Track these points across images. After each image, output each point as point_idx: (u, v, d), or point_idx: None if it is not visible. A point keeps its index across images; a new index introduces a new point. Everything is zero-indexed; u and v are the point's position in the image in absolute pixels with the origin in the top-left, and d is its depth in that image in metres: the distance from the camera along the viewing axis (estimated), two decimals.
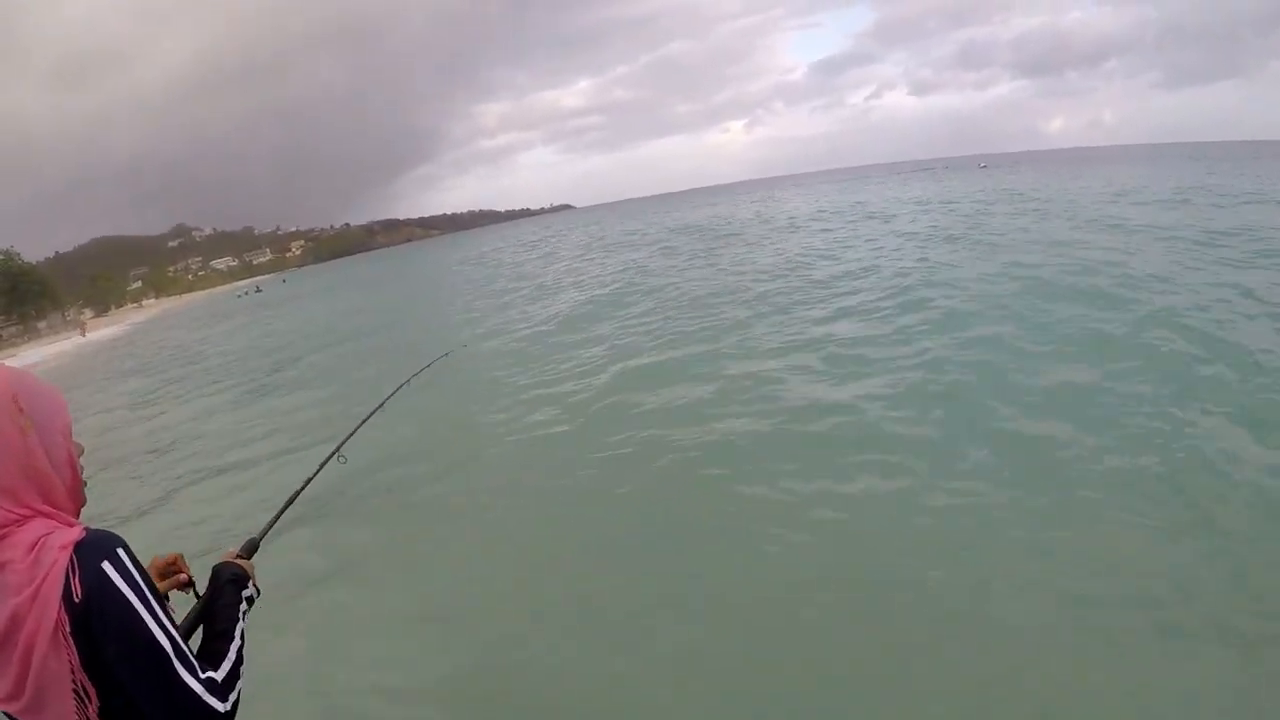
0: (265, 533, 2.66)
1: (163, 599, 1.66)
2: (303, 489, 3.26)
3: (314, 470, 3.60)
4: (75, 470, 1.76)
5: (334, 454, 3.89)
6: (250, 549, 2.41)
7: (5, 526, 1.55)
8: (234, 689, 1.70)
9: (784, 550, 5.53)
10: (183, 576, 2.11)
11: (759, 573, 5.27)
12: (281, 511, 2.93)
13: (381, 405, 4.93)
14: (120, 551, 1.58)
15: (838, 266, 18.37)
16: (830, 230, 28.35)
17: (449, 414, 10.72)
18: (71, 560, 1.51)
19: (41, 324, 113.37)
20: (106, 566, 1.53)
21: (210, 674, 1.63)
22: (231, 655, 1.78)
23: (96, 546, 1.55)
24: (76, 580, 1.49)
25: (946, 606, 4.58)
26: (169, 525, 8.62)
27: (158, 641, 1.54)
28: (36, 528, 1.56)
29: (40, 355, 53.02)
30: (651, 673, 4.38)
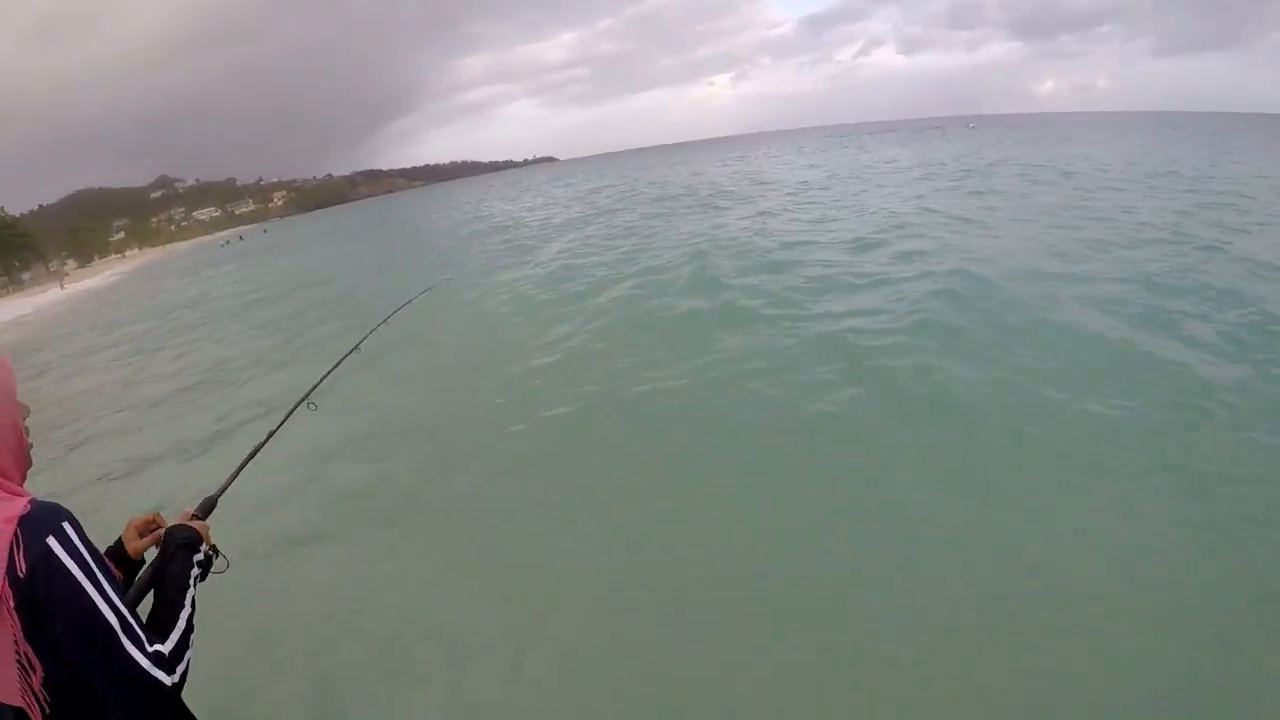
0: (224, 490, 2.50)
1: (110, 572, 1.63)
2: (266, 441, 3.01)
3: (281, 419, 3.34)
4: (20, 435, 1.74)
5: (302, 400, 3.63)
6: (206, 508, 2.32)
7: None
8: (182, 660, 1.67)
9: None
10: (160, 532, 2.07)
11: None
12: (241, 467, 2.72)
13: (355, 348, 4.66)
14: (66, 526, 1.57)
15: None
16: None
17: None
18: (16, 535, 1.50)
19: (25, 275, 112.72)
20: (52, 542, 1.52)
21: (157, 646, 1.61)
22: (180, 625, 1.74)
23: (41, 521, 1.54)
24: (21, 555, 1.48)
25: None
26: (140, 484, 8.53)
27: (103, 617, 1.53)
28: None
29: (16, 311, 52.29)
30: None
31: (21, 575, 1.47)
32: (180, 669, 1.65)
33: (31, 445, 1.80)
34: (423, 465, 7.39)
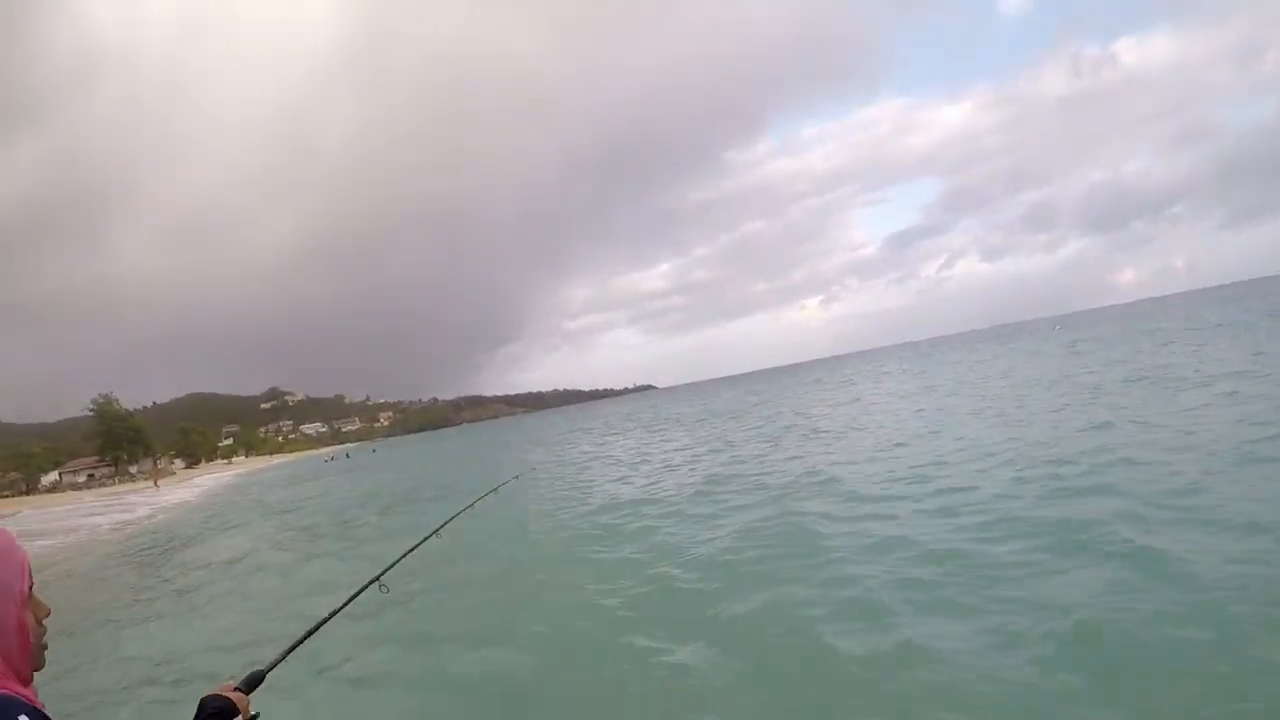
0: (274, 666, 2.44)
1: None
2: (327, 619, 2.93)
3: (346, 599, 3.21)
4: (25, 637, 1.70)
5: (373, 581, 3.49)
6: (252, 682, 2.26)
7: None
8: None
9: None
10: None
11: None
12: (298, 643, 2.64)
13: (436, 532, 4.54)
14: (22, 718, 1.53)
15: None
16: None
17: None
18: None
19: (133, 468, 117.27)
20: None
21: None
22: None
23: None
24: None
25: None
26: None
27: None
28: None
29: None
30: None
31: None
32: None
33: (46, 646, 1.76)
34: None
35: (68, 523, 39.43)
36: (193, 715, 1.96)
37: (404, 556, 3.95)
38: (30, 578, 1.70)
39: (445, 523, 4.81)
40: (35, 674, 1.72)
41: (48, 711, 1.62)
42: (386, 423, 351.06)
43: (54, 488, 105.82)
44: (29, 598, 1.71)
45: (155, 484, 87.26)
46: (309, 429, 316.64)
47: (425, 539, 4.32)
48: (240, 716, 1.99)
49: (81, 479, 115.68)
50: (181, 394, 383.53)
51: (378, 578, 3.55)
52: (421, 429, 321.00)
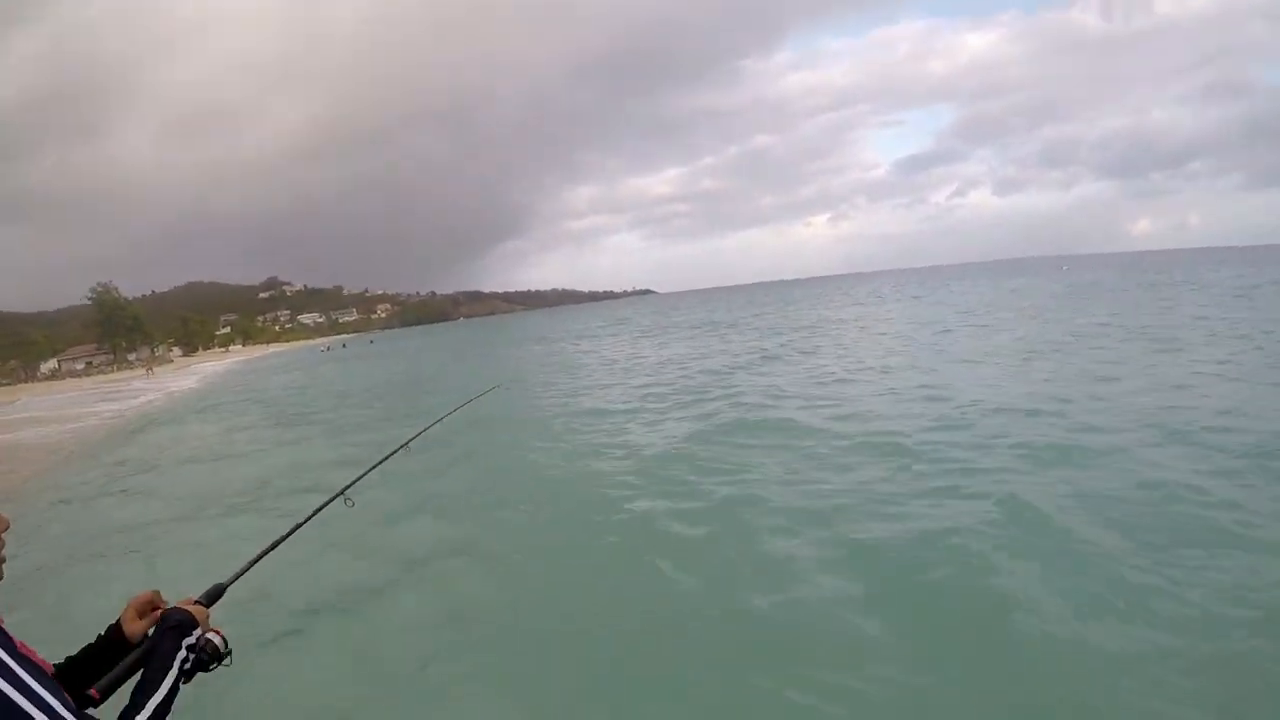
0: (235, 578, 2.41)
1: (32, 667, 1.56)
2: (290, 534, 2.81)
3: (310, 513, 3.05)
4: None
5: (339, 494, 3.33)
6: (212, 596, 2.26)
7: None
8: None
9: None
10: (159, 613, 2.06)
11: None
12: (259, 556, 2.59)
13: (404, 446, 4.37)
14: None
15: None
16: None
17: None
18: None
19: (132, 356, 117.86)
20: None
21: None
22: (149, 707, 1.73)
23: None
24: None
25: None
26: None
27: (19, 708, 1.45)
28: None
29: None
30: None
31: None
32: None
33: (3, 560, 1.77)
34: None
35: (70, 411, 39.65)
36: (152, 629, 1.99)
37: (371, 469, 3.79)
38: None
39: (416, 435, 4.62)
40: None
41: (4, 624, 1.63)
42: (384, 315, 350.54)
43: (53, 375, 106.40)
44: None
45: (149, 372, 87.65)
46: (306, 319, 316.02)
47: (393, 452, 4.16)
48: (200, 629, 2.00)
49: (80, 366, 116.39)
50: (180, 283, 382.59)
51: (343, 491, 3.39)
52: (419, 322, 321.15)
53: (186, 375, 73.03)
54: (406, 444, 4.39)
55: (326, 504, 3.21)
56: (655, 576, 7.01)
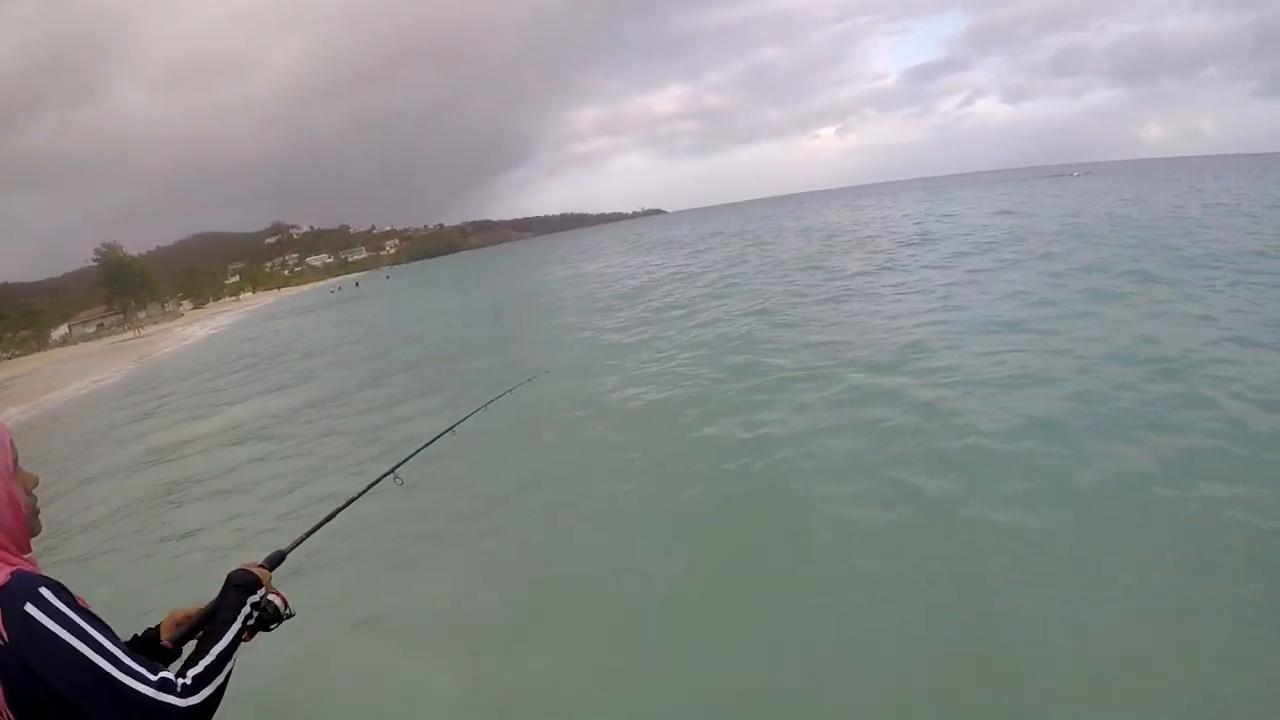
0: (295, 545, 2.57)
1: (98, 621, 1.69)
2: (344, 506, 2.98)
3: (363, 487, 3.27)
4: (17, 508, 1.82)
5: (389, 473, 3.46)
6: (274, 560, 2.39)
7: None
8: (205, 687, 1.73)
9: None
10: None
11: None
12: (317, 527, 2.76)
13: (450, 430, 4.46)
14: (44, 591, 1.65)
15: None
16: None
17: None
18: None
19: (142, 313, 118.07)
20: (30, 609, 1.60)
21: (164, 674, 1.67)
22: (210, 656, 1.81)
23: (19, 591, 1.63)
24: (1, 625, 1.58)
25: None
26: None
27: (94, 664, 1.59)
28: None
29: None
30: None
31: (5, 642, 1.57)
32: (199, 697, 1.70)
33: (39, 511, 1.93)
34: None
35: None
36: (220, 587, 2.11)
37: (421, 450, 3.93)
38: (14, 451, 1.86)
39: (462, 420, 4.68)
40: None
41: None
42: (393, 250, 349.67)
43: (64, 341, 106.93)
44: (14, 471, 1.87)
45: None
46: (315, 261, 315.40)
47: (439, 435, 4.24)
48: (264, 589, 2.15)
49: (91, 329, 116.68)
50: (186, 235, 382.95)
51: (393, 469, 3.52)
52: (428, 256, 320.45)
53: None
54: (452, 428, 4.47)
55: (377, 481, 3.37)
56: None
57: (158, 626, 2.17)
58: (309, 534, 2.68)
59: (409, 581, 7.07)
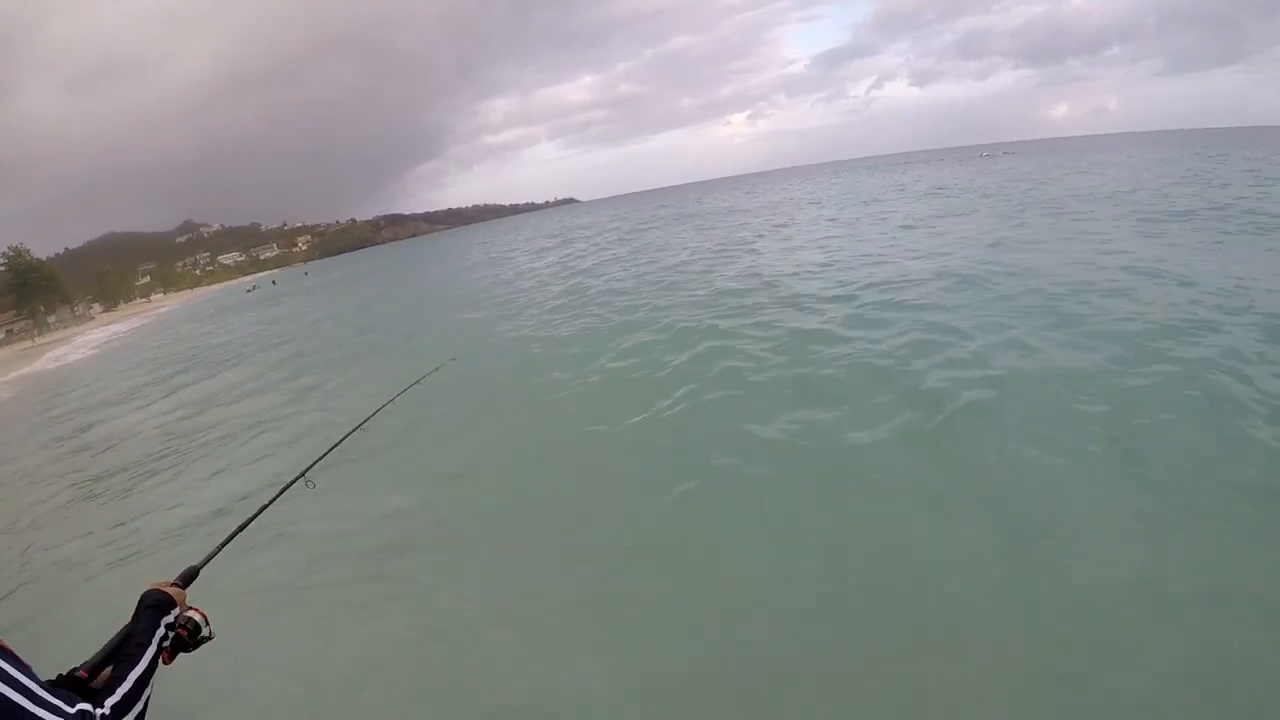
0: (208, 560, 2.54)
1: (15, 660, 1.66)
2: (255, 515, 3.00)
3: (273, 495, 3.26)
4: None
5: (299, 477, 3.47)
6: (187, 578, 2.36)
7: None
8: (127, 715, 1.73)
9: None
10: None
11: None
12: (229, 539, 2.74)
13: (360, 426, 4.47)
14: None
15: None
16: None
17: None
18: None
19: (51, 318, 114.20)
20: None
21: (82, 706, 1.64)
22: (128, 683, 1.80)
23: None
24: None
25: None
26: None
27: (12, 701, 1.55)
28: None
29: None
30: None
31: None
32: None
33: None
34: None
35: None
36: (133, 611, 2.06)
37: (329, 452, 3.91)
38: None
39: (370, 416, 4.70)
40: None
41: None
42: (305, 247, 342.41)
43: None
44: None
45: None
46: (226, 259, 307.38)
47: (349, 434, 4.25)
48: (178, 609, 2.12)
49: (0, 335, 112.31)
50: (94, 236, 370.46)
51: (303, 474, 3.53)
52: (341, 251, 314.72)
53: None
54: (362, 424, 4.49)
55: (288, 486, 3.38)
56: None
57: (81, 665, 2.07)
58: (221, 546, 2.65)
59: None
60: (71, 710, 1.61)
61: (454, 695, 4.83)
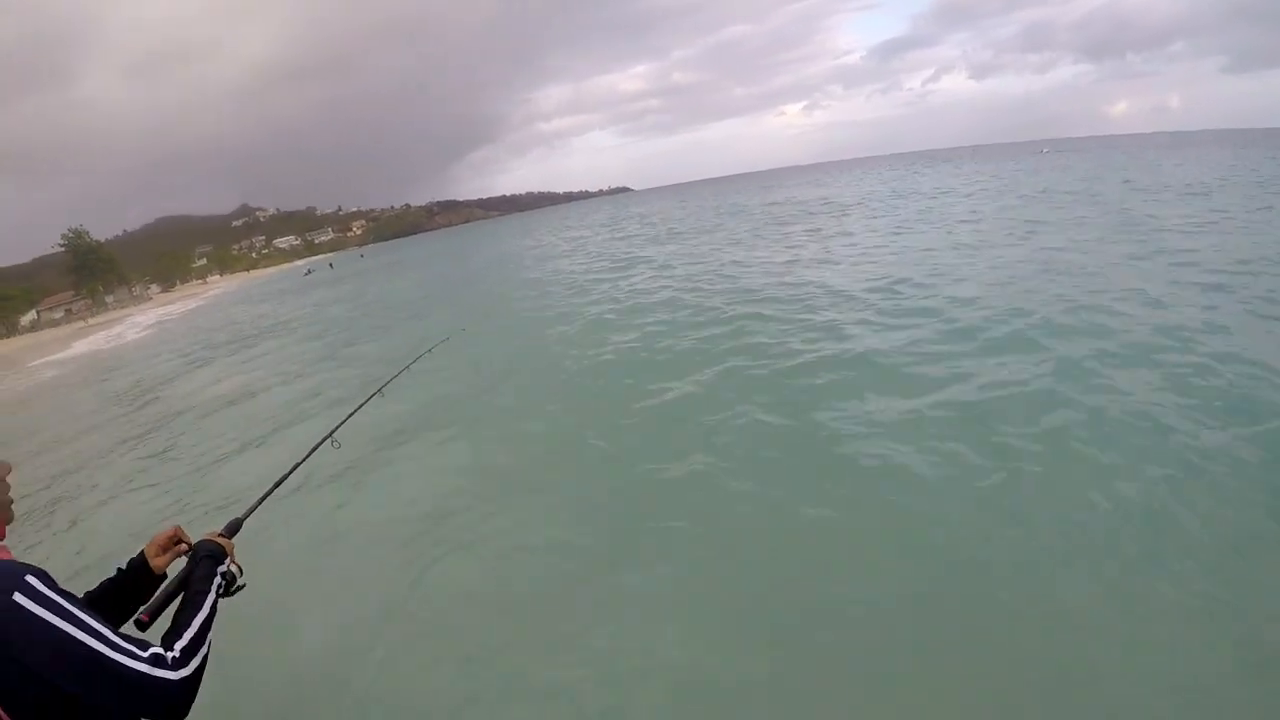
0: (249, 513, 2.72)
1: (84, 605, 1.72)
2: (290, 473, 3.25)
3: (305, 454, 3.58)
4: None
5: (326, 438, 3.82)
6: (233, 528, 2.52)
7: None
8: (193, 658, 1.81)
9: None
10: (183, 546, 2.34)
11: None
12: (267, 494, 2.96)
13: (379, 392, 4.81)
14: (30, 579, 1.66)
15: None
16: None
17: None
18: None
19: (109, 298, 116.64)
20: (18, 597, 1.62)
21: (155, 649, 1.74)
22: (193, 627, 1.88)
23: (4, 581, 1.64)
24: None
25: None
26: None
27: (84, 644, 1.62)
28: None
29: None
30: None
31: None
32: (189, 668, 1.78)
33: (13, 501, 1.97)
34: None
35: None
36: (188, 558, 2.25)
37: (353, 414, 4.22)
38: None
39: (390, 380, 5.05)
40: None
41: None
42: (360, 232, 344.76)
43: (33, 327, 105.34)
44: None
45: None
46: (282, 243, 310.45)
47: (369, 398, 4.55)
48: (229, 558, 2.28)
49: (59, 315, 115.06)
50: (152, 219, 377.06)
51: (330, 434, 3.86)
52: (395, 236, 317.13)
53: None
54: (380, 390, 4.83)
55: (317, 446, 3.71)
56: None
57: (141, 555, 2.32)
58: (261, 500, 2.87)
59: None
60: (145, 653, 1.71)
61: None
